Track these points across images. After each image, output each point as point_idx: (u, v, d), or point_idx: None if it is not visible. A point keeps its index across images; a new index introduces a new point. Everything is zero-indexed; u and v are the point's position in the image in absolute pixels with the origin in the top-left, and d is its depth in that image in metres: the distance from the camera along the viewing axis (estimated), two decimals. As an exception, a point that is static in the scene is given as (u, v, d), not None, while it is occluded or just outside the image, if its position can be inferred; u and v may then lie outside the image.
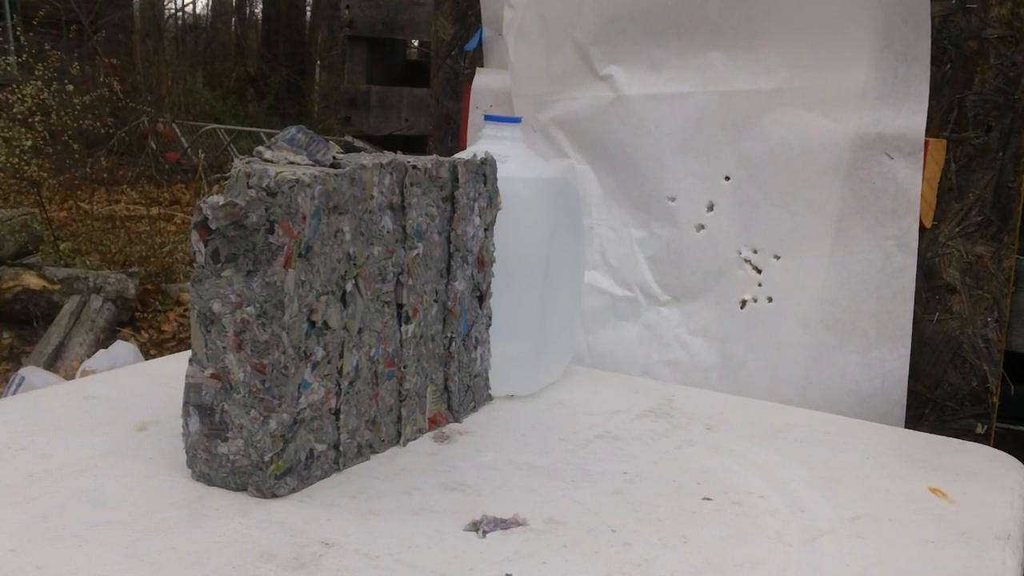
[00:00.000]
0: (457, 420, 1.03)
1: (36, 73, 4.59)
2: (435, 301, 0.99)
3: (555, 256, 1.14)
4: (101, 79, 5.45)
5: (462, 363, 1.03)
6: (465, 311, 1.02)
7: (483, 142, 1.14)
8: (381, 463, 0.89)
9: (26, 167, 4.33)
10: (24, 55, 4.76)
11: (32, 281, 3.52)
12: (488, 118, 1.15)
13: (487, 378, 1.09)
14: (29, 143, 4.34)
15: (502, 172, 1.09)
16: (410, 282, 0.93)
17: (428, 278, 0.96)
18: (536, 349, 1.14)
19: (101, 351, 2.82)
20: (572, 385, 1.19)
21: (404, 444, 0.94)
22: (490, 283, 1.07)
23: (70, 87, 4.65)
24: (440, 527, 0.76)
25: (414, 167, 0.92)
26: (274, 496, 0.79)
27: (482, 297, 1.06)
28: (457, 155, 1.05)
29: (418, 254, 0.94)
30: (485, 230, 1.05)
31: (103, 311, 3.35)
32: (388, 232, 0.89)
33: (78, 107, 4.89)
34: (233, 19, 12.69)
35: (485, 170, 1.04)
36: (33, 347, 3.20)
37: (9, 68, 5.02)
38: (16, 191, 5.02)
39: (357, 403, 0.87)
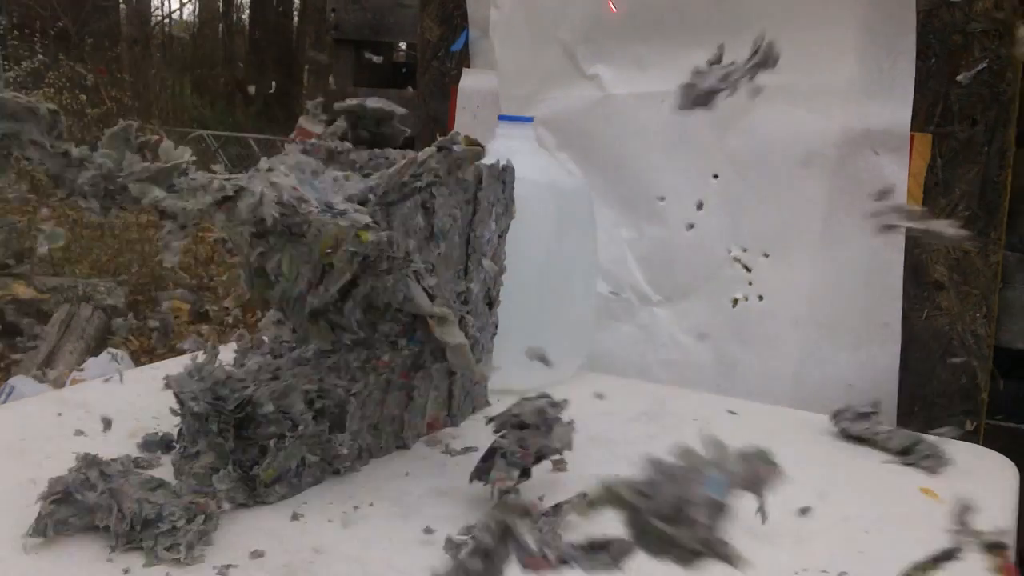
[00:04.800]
0: (454, 424, 1.02)
1: (47, 80, 4.59)
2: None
3: (563, 257, 1.14)
4: (112, 93, 5.45)
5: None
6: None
7: (496, 141, 1.15)
8: (375, 468, 0.89)
9: (35, 170, 4.32)
10: (37, 62, 4.75)
11: (21, 291, 3.50)
12: (502, 118, 1.17)
13: (486, 384, 1.09)
14: None
15: None
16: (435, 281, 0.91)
17: (447, 278, 0.96)
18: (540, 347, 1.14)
19: (91, 359, 2.80)
20: (564, 387, 1.18)
21: (401, 448, 0.94)
22: (499, 290, 1.07)
23: (83, 97, 4.65)
24: (432, 532, 0.76)
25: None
26: (263, 503, 0.79)
27: (491, 302, 1.06)
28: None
29: (440, 254, 0.93)
30: (499, 236, 1.05)
31: (93, 320, 3.34)
32: (420, 229, 0.89)
33: (89, 118, 4.89)
34: (220, 25, 12.67)
35: (505, 177, 1.03)
36: (22, 356, 3.18)
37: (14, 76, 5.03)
38: (3, 200, 5.00)
39: (363, 407, 0.87)
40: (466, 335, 0.99)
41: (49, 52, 5.10)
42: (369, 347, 0.87)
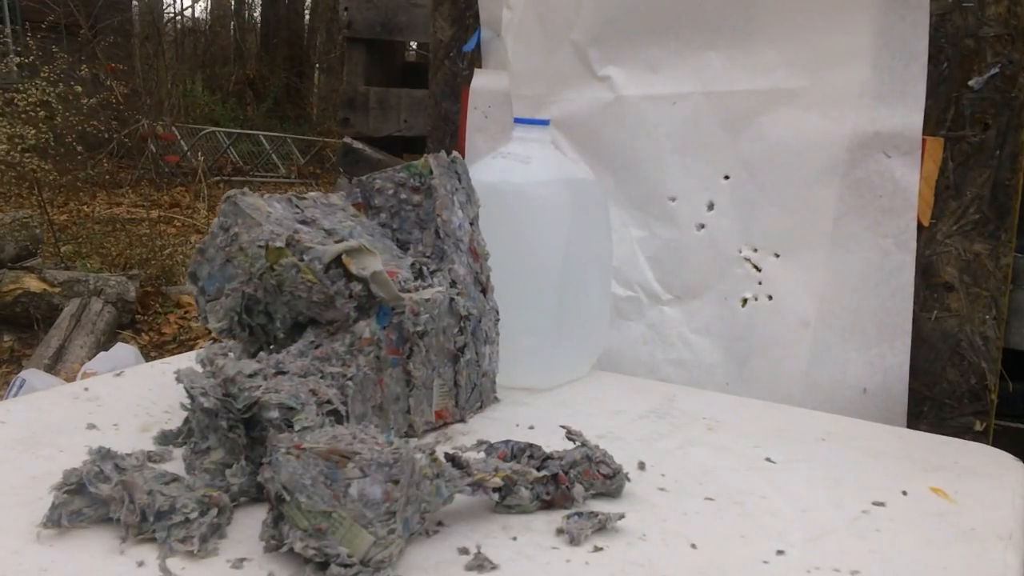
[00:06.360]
0: (463, 419, 1.03)
1: (42, 75, 4.59)
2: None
3: (578, 257, 1.15)
4: (108, 82, 5.46)
5: (470, 359, 1.03)
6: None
7: (512, 144, 1.17)
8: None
9: (29, 162, 4.33)
10: (31, 56, 4.76)
11: (33, 284, 3.52)
12: (518, 121, 1.19)
13: (494, 380, 1.10)
14: (32, 140, 4.34)
15: (521, 174, 1.10)
16: None
17: (384, 259, 0.97)
18: (553, 345, 1.15)
19: (102, 353, 2.81)
20: (574, 386, 1.19)
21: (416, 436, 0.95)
22: (489, 276, 1.08)
23: (78, 88, 4.65)
24: (445, 526, 0.76)
25: (301, 198, 0.99)
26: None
27: (484, 289, 1.07)
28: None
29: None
30: (471, 224, 1.06)
31: (103, 314, 3.35)
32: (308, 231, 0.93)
33: (85, 109, 4.89)
34: (232, 23, 12.70)
35: (457, 168, 1.06)
36: (34, 350, 3.20)
37: (13, 70, 5.03)
38: (17, 194, 5.02)
39: (362, 389, 0.88)
40: (460, 317, 1.00)
41: (49, 47, 5.10)
42: (348, 330, 0.88)
